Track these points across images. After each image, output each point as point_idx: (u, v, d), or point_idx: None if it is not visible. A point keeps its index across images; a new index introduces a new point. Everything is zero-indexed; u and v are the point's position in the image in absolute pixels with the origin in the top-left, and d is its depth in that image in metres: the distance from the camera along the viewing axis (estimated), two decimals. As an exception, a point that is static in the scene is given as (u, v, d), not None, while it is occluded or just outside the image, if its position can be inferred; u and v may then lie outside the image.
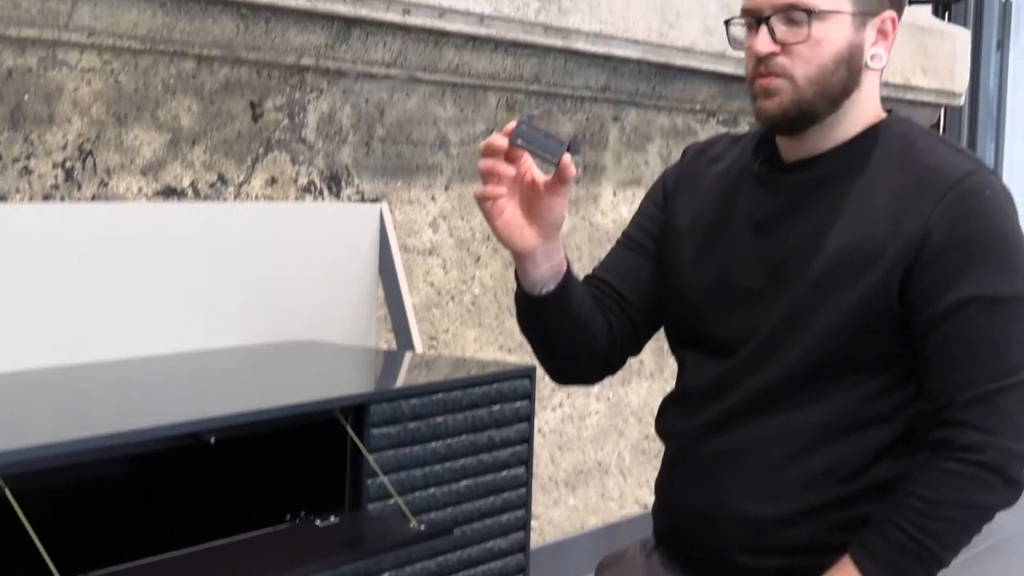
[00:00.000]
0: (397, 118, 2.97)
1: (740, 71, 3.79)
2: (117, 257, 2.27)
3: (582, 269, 3.53)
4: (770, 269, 1.88)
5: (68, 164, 2.38)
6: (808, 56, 1.82)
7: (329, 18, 2.67)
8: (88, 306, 2.23)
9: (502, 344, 3.31)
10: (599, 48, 3.28)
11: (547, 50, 3.20)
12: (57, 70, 2.34)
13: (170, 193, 2.54)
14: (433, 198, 3.09)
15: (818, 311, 1.82)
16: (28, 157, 2.31)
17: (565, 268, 1.92)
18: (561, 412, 3.54)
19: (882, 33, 1.87)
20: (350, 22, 2.72)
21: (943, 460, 1.75)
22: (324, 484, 1.99)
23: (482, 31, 2.96)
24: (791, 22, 1.82)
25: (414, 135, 3.02)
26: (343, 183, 2.86)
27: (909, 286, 1.79)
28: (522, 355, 3.36)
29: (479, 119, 3.18)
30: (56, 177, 2.36)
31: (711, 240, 1.95)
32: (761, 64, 1.84)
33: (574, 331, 1.95)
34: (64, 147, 2.37)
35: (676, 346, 2.02)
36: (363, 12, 2.69)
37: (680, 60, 3.54)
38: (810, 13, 1.81)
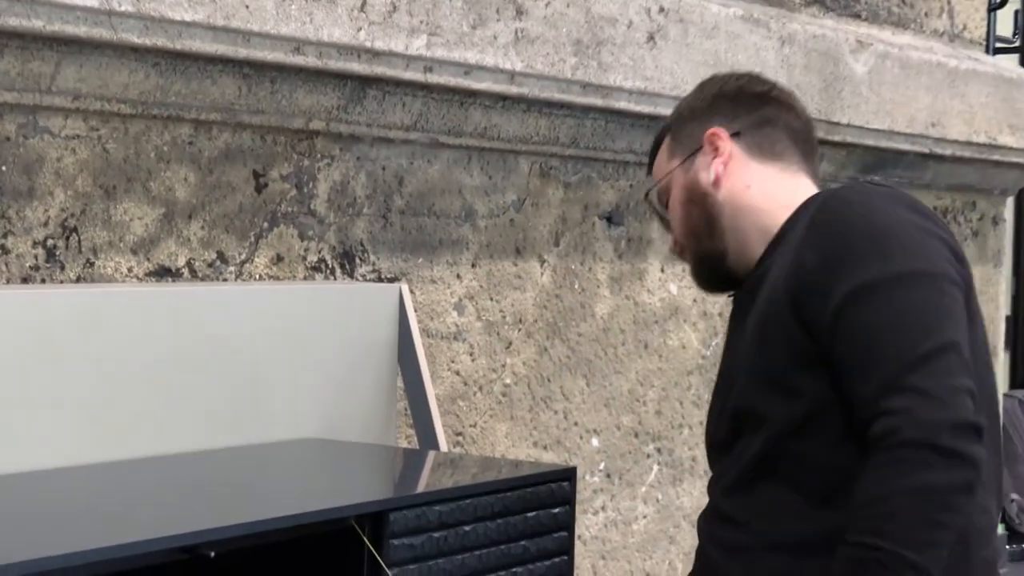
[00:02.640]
0: (418, 187, 2.98)
1: (803, 131, 3.79)
2: (104, 346, 2.27)
3: (626, 354, 3.54)
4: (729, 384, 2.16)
5: (50, 242, 2.39)
6: (674, 221, 2.24)
7: (342, 77, 2.69)
8: (70, 402, 2.23)
9: (536, 440, 3.30)
10: (644, 107, 3.29)
11: (585, 110, 3.22)
12: (38, 138, 2.36)
13: (164, 273, 2.55)
14: (458, 276, 3.09)
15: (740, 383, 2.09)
16: (5, 235, 2.33)
17: None
18: (604, 516, 3.53)
19: (714, 148, 2.20)
20: (365, 81, 2.74)
21: (871, 458, 1.86)
22: (337, 603, 1.98)
23: (513, 90, 2.98)
24: (663, 207, 2.27)
25: (437, 206, 3.03)
26: (357, 261, 2.87)
27: (803, 317, 1.98)
28: (559, 452, 3.35)
29: (510, 187, 3.19)
30: (36, 257, 2.37)
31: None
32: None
33: None
34: (45, 223, 2.38)
35: None
36: (380, 70, 2.70)
37: (735, 119, 3.55)
38: (649, 193, 2.30)
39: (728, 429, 2.10)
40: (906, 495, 1.82)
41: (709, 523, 2.18)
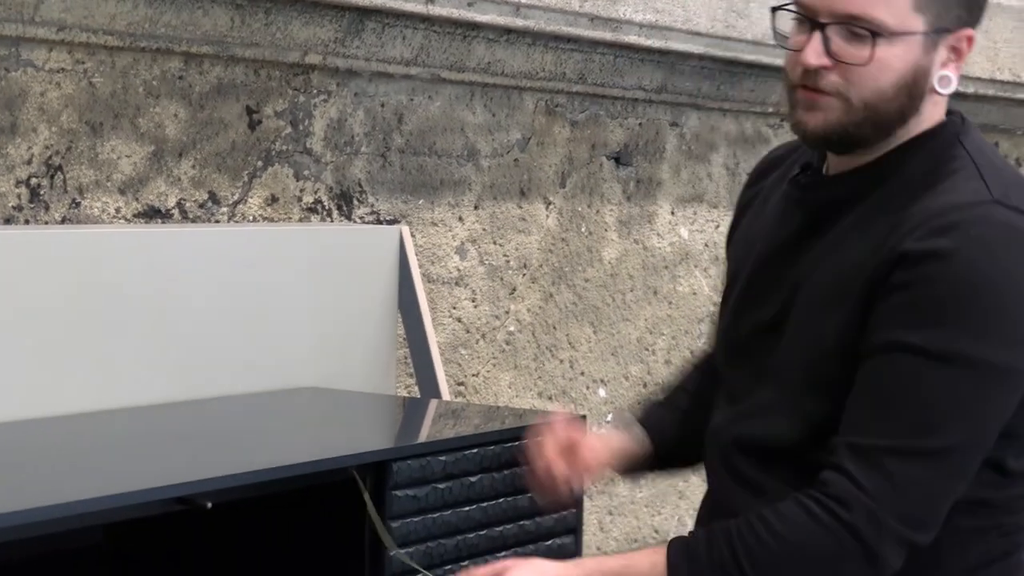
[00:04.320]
0: (418, 125, 2.97)
1: (820, 67, 3.77)
2: (91, 290, 2.26)
3: (635, 301, 3.53)
4: (776, 306, 1.94)
5: (33, 181, 2.38)
6: (866, 79, 1.85)
7: (339, 8, 2.68)
8: (55, 349, 2.22)
9: (541, 390, 3.29)
10: (654, 42, 3.27)
11: (593, 44, 3.20)
12: (21, 71, 2.34)
13: (153, 214, 2.54)
14: (460, 219, 3.08)
15: (800, 360, 1.90)
16: (-12, 173, 2.32)
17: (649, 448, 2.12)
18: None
19: (956, 52, 1.89)
20: (363, 13, 2.72)
21: (810, 500, 1.80)
22: (338, 555, 1.98)
23: (518, 23, 2.96)
24: (853, 36, 1.85)
25: (438, 145, 3.02)
26: (355, 202, 2.86)
27: (866, 311, 1.83)
28: (564, 403, 3.35)
29: (514, 126, 3.18)
30: (19, 196, 2.36)
31: (742, 268, 2.02)
32: (809, 76, 1.87)
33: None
34: (29, 161, 2.37)
35: None
36: (379, 1, 2.69)
37: (749, 55, 3.53)
38: (876, 34, 1.83)
39: (789, 357, 1.91)
40: (806, 562, 1.80)
41: (727, 449, 1.99)
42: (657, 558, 1.84)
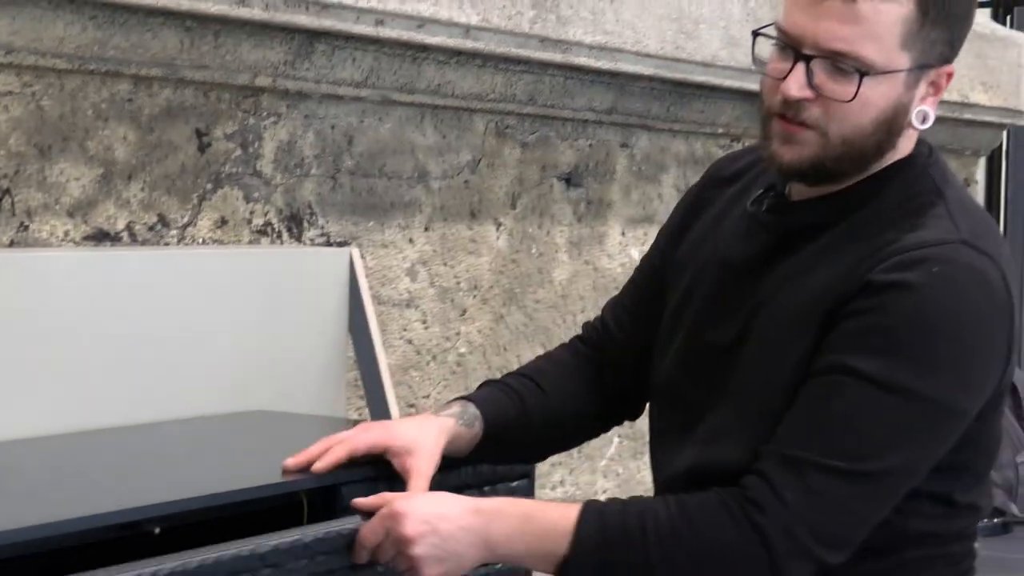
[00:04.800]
0: (368, 147, 2.97)
1: (769, 88, 3.79)
2: (38, 314, 2.26)
3: (586, 321, 3.52)
4: (737, 325, 1.95)
5: (-18, 204, 2.38)
6: (847, 115, 1.85)
7: (289, 31, 2.68)
8: (1, 372, 2.21)
9: (493, 412, 3.30)
10: (604, 63, 3.29)
11: (544, 66, 3.21)
12: (-31, 94, 2.34)
13: (102, 237, 2.53)
14: (411, 240, 3.09)
15: (760, 384, 1.89)
16: (-65, 196, 2.31)
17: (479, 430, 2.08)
18: (562, 491, 3.53)
19: (935, 87, 1.90)
20: (313, 35, 2.73)
21: (730, 497, 1.80)
22: (287, 581, 1.97)
23: (468, 44, 2.97)
24: (837, 71, 1.83)
25: (388, 167, 3.02)
26: (305, 224, 2.86)
27: (825, 333, 1.84)
28: (517, 424, 3.35)
29: (464, 147, 3.19)
30: (-32, 220, 2.36)
31: (697, 282, 2.03)
32: (788, 107, 1.86)
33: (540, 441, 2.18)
34: (-23, 184, 2.37)
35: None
36: (328, 23, 2.69)
37: (699, 76, 3.55)
38: (863, 73, 1.82)
39: (750, 380, 1.91)
40: (716, 558, 1.79)
41: (680, 481, 1.97)
42: (570, 513, 1.83)
